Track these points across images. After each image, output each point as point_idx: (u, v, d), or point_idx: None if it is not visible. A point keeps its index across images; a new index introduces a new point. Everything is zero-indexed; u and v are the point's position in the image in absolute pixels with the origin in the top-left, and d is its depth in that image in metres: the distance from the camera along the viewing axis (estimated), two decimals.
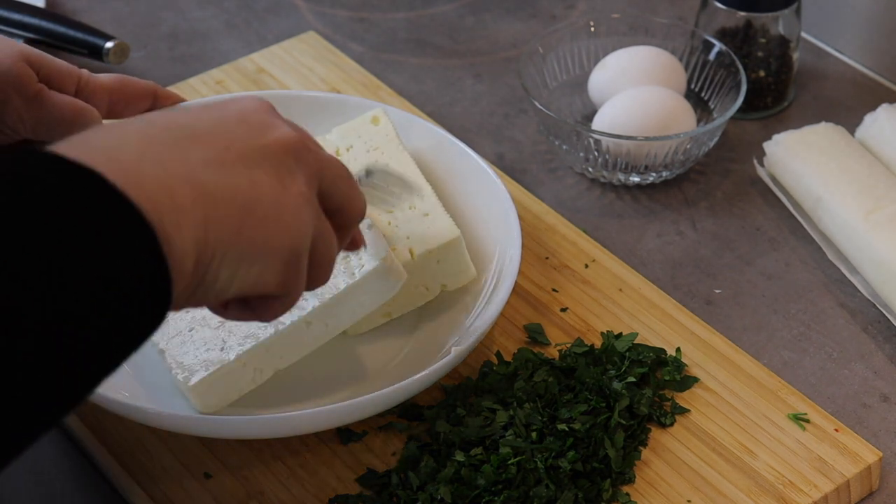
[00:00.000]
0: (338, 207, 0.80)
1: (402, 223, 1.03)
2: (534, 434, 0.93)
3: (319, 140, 1.08)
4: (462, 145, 1.10)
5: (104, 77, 0.99)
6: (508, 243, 1.03)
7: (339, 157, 1.05)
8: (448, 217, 1.03)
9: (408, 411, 0.97)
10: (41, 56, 0.96)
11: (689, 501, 0.93)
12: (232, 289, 0.73)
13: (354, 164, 1.06)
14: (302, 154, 0.77)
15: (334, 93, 1.21)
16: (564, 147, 1.18)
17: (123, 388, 0.95)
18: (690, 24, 1.27)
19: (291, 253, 0.75)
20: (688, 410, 0.99)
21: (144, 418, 0.93)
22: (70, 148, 0.67)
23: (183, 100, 1.00)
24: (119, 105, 0.99)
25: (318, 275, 0.79)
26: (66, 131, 0.97)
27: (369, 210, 0.91)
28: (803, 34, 1.32)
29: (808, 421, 0.98)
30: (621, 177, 1.18)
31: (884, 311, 1.07)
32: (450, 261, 1.02)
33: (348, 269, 0.95)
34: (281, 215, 0.74)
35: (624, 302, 1.06)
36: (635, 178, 1.18)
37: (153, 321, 0.67)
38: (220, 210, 0.71)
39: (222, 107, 0.77)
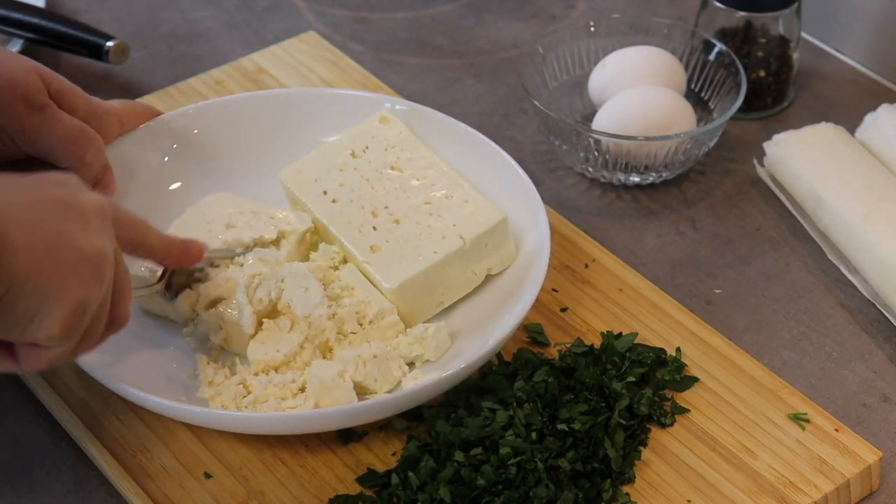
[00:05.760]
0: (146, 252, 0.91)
1: (445, 212, 1.04)
2: (534, 434, 0.93)
3: (329, 144, 1.09)
4: (486, 139, 1.10)
5: (113, 102, 1.07)
6: (536, 237, 1.04)
7: (355, 159, 1.06)
8: (488, 201, 1.04)
9: (408, 411, 0.97)
10: (53, 74, 1.02)
11: (689, 501, 0.93)
12: (21, 325, 0.78)
13: (374, 165, 1.07)
14: (109, 217, 0.83)
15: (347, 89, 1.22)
16: (564, 147, 1.18)
17: (125, 375, 0.95)
18: (690, 24, 1.27)
19: (80, 303, 0.79)
20: (688, 410, 0.98)
21: (144, 404, 0.94)
22: None
23: (159, 112, 1.11)
24: (126, 127, 1.08)
25: (90, 332, 0.83)
26: (68, 150, 1.00)
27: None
28: (803, 34, 1.32)
29: (808, 421, 0.98)
30: (621, 177, 1.18)
31: (884, 311, 1.07)
32: (497, 243, 1.03)
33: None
34: (79, 266, 0.79)
35: (624, 302, 1.06)
36: (635, 178, 1.18)
37: None
38: (22, 241, 0.76)
39: (37, 175, 0.82)
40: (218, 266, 1.01)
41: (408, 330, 1.01)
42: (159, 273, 0.99)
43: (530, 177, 1.07)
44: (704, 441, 0.97)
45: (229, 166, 1.13)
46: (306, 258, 1.05)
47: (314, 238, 1.06)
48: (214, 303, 1.00)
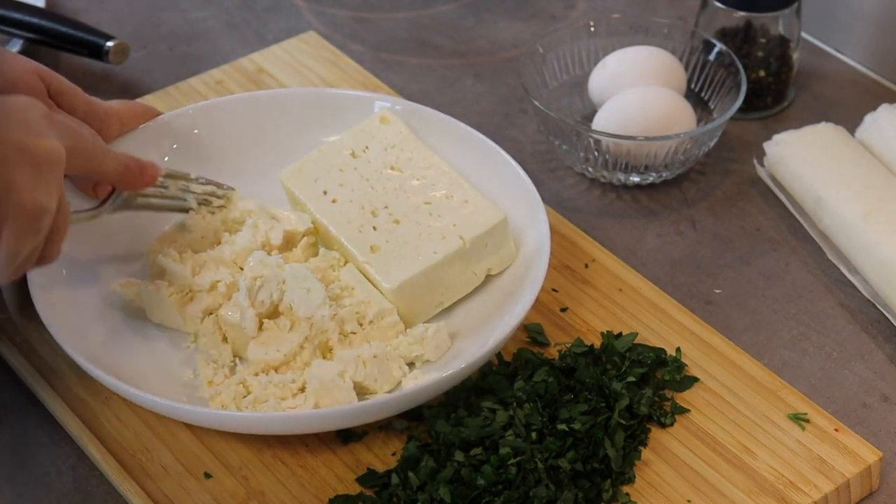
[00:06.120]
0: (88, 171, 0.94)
1: (445, 212, 1.04)
2: (534, 434, 0.93)
3: (330, 144, 1.09)
4: (486, 139, 1.10)
5: (113, 102, 1.08)
6: (536, 237, 1.04)
7: (355, 159, 1.06)
8: (488, 201, 1.04)
9: (408, 411, 0.97)
10: (53, 74, 1.03)
11: (689, 501, 0.93)
12: None
13: (374, 165, 1.07)
14: (62, 165, 0.86)
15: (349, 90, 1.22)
16: (564, 147, 1.18)
17: (125, 375, 0.95)
18: (690, 24, 1.27)
19: (12, 253, 0.84)
20: (688, 410, 0.98)
21: (144, 403, 0.94)
22: None
23: (159, 112, 1.11)
24: (126, 127, 1.09)
25: (19, 269, 0.87)
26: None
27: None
28: (803, 34, 1.32)
29: (808, 421, 0.98)
30: (621, 177, 1.18)
31: (884, 311, 1.07)
32: (497, 243, 1.03)
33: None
34: (19, 218, 0.83)
35: (624, 302, 1.06)
36: (635, 178, 1.18)
37: None
38: None
39: (2, 101, 0.86)
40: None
41: (408, 330, 1.01)
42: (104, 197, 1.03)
43: (530, 177, 1.07)
44: (704, 441, 0.97)
45: (229, 166, 1.13)
46: (307, 259, 1.05)
47: (315, 238, 1.06)
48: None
